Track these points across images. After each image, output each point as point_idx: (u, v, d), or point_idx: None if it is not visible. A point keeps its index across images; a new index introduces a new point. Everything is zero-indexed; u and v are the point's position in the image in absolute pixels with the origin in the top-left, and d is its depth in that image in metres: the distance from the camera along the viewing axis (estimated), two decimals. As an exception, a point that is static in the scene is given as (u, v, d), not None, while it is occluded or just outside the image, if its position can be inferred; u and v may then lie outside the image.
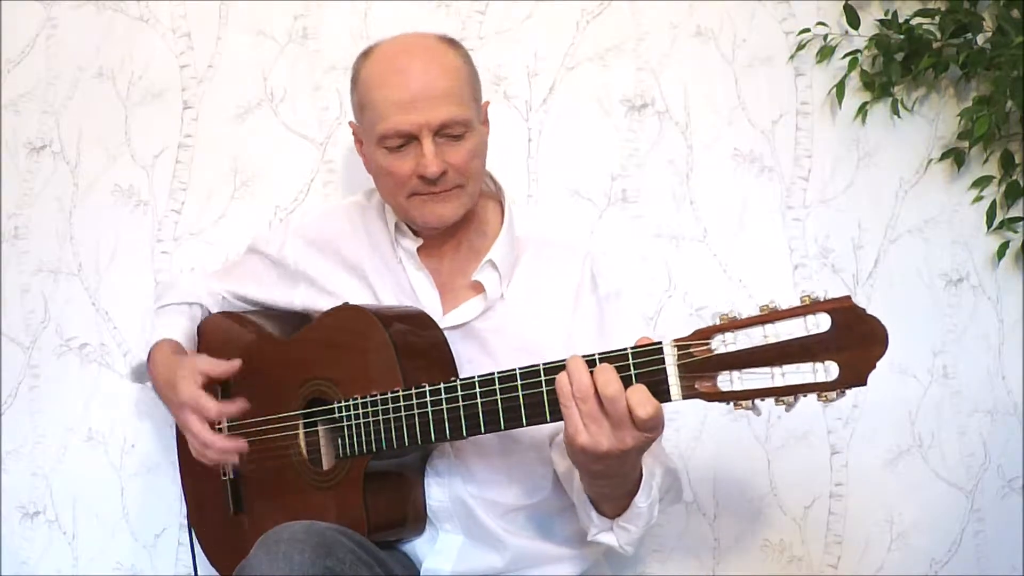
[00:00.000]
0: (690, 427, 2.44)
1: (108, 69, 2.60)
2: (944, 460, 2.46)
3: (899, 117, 2.43)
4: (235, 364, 2.00)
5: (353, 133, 2.05)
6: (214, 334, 2.21)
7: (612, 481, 1.68)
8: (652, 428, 1.51)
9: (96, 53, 2.61)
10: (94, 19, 2.60)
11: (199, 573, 2.26)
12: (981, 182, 2.42)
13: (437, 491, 1.97)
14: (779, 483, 2.47)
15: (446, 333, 1.95)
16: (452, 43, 1.97)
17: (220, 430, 2.07)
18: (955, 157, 2.43)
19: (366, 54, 1.98)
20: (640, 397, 1.49)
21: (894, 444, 2.46)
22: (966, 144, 2.41)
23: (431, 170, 1.87)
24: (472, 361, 1.94)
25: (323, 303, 2.04)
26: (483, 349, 1.96)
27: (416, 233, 2.03)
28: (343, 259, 2.09)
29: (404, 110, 1.86)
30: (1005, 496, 2.46)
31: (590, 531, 1.79)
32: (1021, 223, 2.41)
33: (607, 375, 1.52)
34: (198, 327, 2.24)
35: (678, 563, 2.46)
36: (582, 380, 1.53)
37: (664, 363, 1.48)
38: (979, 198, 2.43)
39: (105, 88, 2.61)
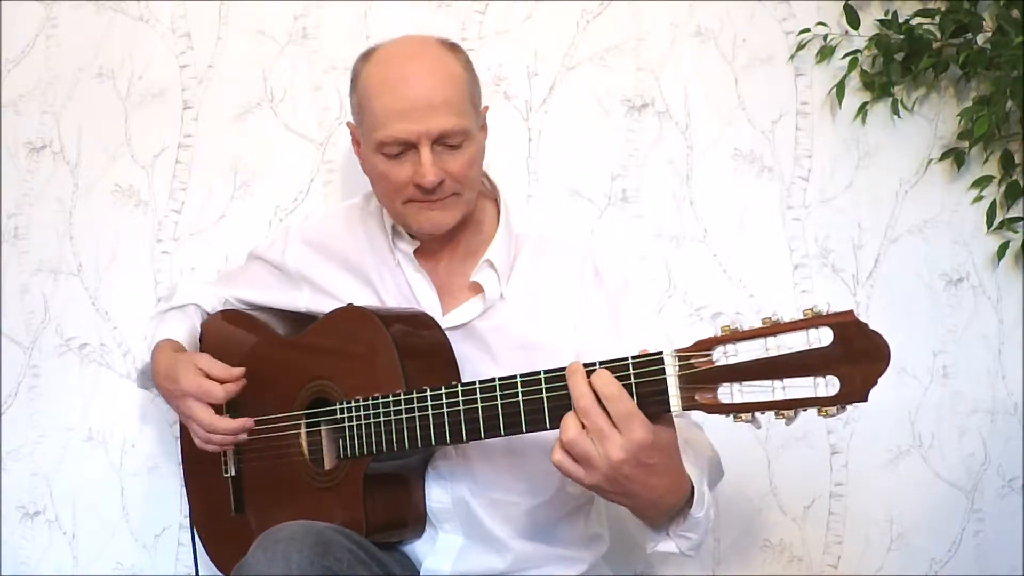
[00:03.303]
0: (690, 427, 2.45)
1: (108, 69, 2.61)
2: (944, 460, 2.46)
3: (899, 117, 2.43)
4: (238, 371, 2.01)
5: (351, 133, 2.04)
6: (217, 334, 2.21)
7: (653, 507, 1.64)
8: (628, 418, 1.51)
9: (96, 53, 2.61)
10: (94, 19, 2.60)
11: (200, 573, 2.26)
12: (981, 182, 2.42)
13: (438, 492, 1.96)
14: (779, 483, 2.48)
15: (447, 334, 1.95)
16: (453, 48, 1.95)
17: None
18: (955, 157, 2.43)
19: (366, 56, 1.96)
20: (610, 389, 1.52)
21: (894, 444, 2.46)
22: (966, 144, 2.41)
23: (428, 180, 1.86)
24: (473, 361, 1.93)
25: (327, 305, 2.03)
26: (484, 349, 1.95)
27: (413, 236, 2.02)
28: (345, 262, 2.09)
29: (402, 119, 1.84)
30: (1005, 496, 2.46)
31: (648, 545, 1.74)
32: (1021, 223, 2.42)
33: (604, 377, 1.52)
34: (201, 326, 2.24)
35: (678, 563, 2.46)
36: (584, 392, 1.53)
37: (664, 373, 1.47)
38: (979, 198, 2.43)
39: (105, 88, 2.61)
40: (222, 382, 2.01)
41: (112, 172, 2.61)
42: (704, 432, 1.97)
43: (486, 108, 2.01)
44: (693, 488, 1.66)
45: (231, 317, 2.22)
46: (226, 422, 1.98)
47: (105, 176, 2.61)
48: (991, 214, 2.41)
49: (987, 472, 2.46)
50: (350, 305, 1.98)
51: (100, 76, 2.61)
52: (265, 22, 2.56)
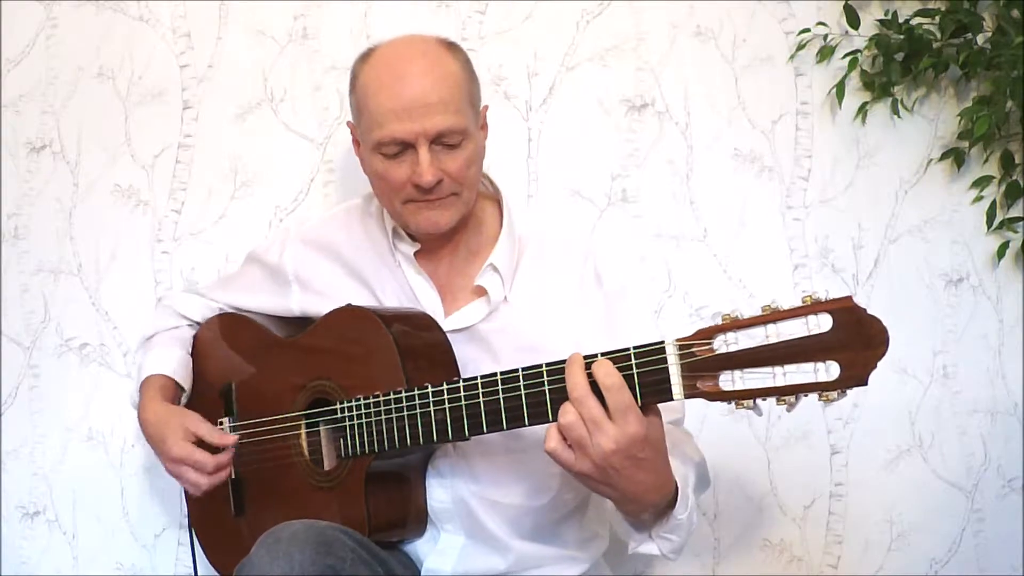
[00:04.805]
0: (690, 427, 2.40)
1: (108, 69, 2.61)
2: (944, 460, 2.46)
3: (899, 117, 2.43)
4: (231, 438, 2.03)
5: (351, 133, 2.04)
6: (215, 338, 2.21)
7: (637, 502, 1.65)
8: (624, 410, 1.52)
9: (96, 53, 2.61)
10: (94, 19, 2.61)
11: (199, 573, 2.25)
12: (981, 182, 2.42)
13: (439, 492, 1.96)
14: (779, 483, 2.48)
15: (449, 336, 1.94)
16: (452, 47, 1.95)
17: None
18: (955, 157, 2.43)
19: (365, 57, 1.96)
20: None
21: (894, 444, 2.46)
22: (966, 144, 2.41)
23: (426, 179, 1.86)
24: (476, 363, 1.93)
25: (321, 307, 2.03)
26: (487, 351, 1.95)
27: (413, 238, 2.02)
28: (344, 263, 2.09)
29: (400, 118, 1.85)
30: (1005, 496, 2.46)
31: (630, 545, 1.76)
32: (1021, 223, 2.41)
33: (605, 368, 1.53)
34: (200, 330, 2.24)
35: (678, 563, 2.44)
36: (579, 382, 1.54)
37: (666, 362, 1.48)
38: (979, 198, 2.43)
39: (105, 88, 2.61)
40: (214, 447, 2.02)
41: (112, 172, 2.61)
42: (693, 440, 1.98)
43: (486, 107, 2.01)
44: (677, 490, 1.67)
45: (229, 320, 2.22)
46: (214, 461, 2.00)
47: (105, 176, 2.62)
48: (991, 214, 2.41)
49: (987, 472, 2.46)
50: (349, 305, 1.97)
51: (100, 76, 2.61)
52: (265, 22, 2.57)
